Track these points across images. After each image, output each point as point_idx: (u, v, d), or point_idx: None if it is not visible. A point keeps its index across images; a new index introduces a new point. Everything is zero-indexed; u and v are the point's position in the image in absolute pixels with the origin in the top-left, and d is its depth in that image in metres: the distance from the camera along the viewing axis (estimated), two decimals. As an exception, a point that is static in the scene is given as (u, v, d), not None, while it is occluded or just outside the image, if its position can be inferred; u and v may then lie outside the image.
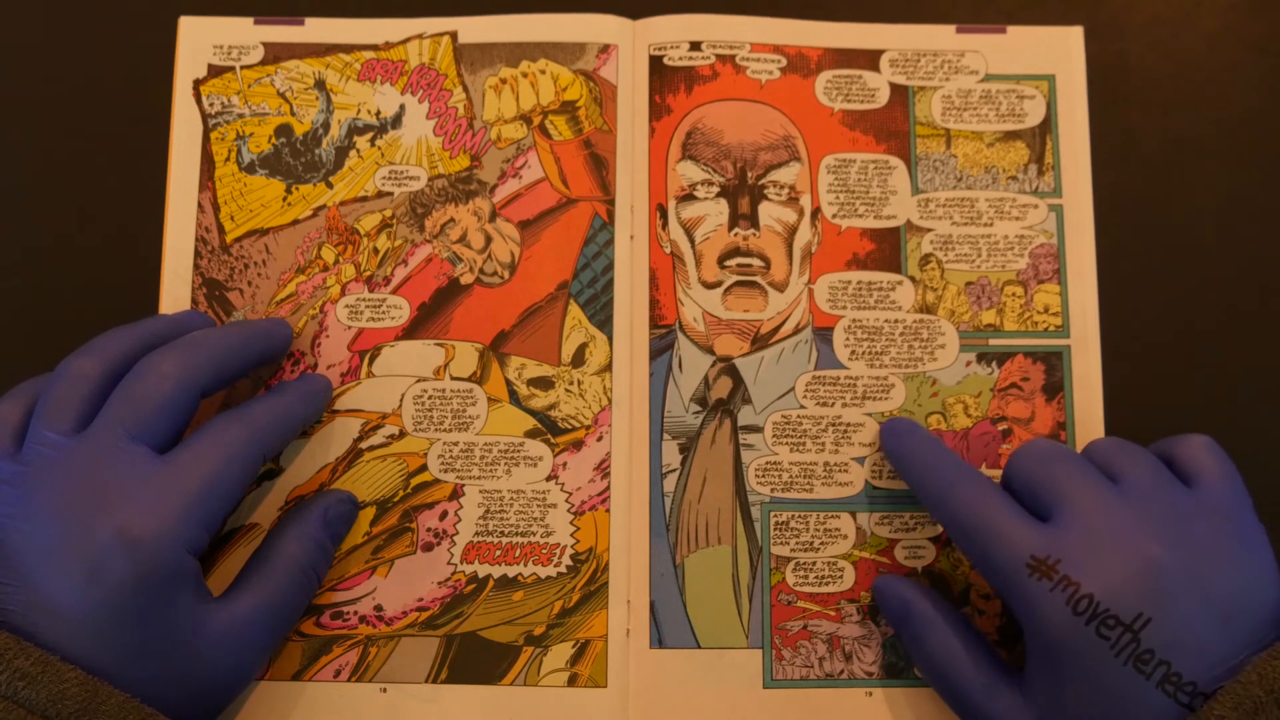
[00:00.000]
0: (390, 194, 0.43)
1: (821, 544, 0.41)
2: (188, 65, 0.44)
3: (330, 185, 0.43)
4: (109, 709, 0.31)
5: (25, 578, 0.32)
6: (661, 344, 0.42)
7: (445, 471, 0.41)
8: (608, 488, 0.41)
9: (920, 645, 0.38)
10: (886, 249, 0.43)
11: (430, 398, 0.42)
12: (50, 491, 0.33)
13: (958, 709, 0.37)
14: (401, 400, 0.42)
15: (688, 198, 0.43)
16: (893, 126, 0.44)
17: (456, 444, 0.41)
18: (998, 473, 0.41)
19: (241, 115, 0.43)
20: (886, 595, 0.39)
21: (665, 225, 0.43)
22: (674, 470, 0.41)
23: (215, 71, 0.44)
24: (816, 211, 0.43)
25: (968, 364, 0.42)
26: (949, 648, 0.37)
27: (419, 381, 0.42)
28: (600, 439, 0.41)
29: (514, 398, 0.42)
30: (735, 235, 0.43)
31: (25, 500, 0.33)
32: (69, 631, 0.32)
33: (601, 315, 0.42)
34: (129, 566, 0.32)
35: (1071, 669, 0.33)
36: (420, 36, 0.44)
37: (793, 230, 0.43)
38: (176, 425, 0.36)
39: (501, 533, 0.41)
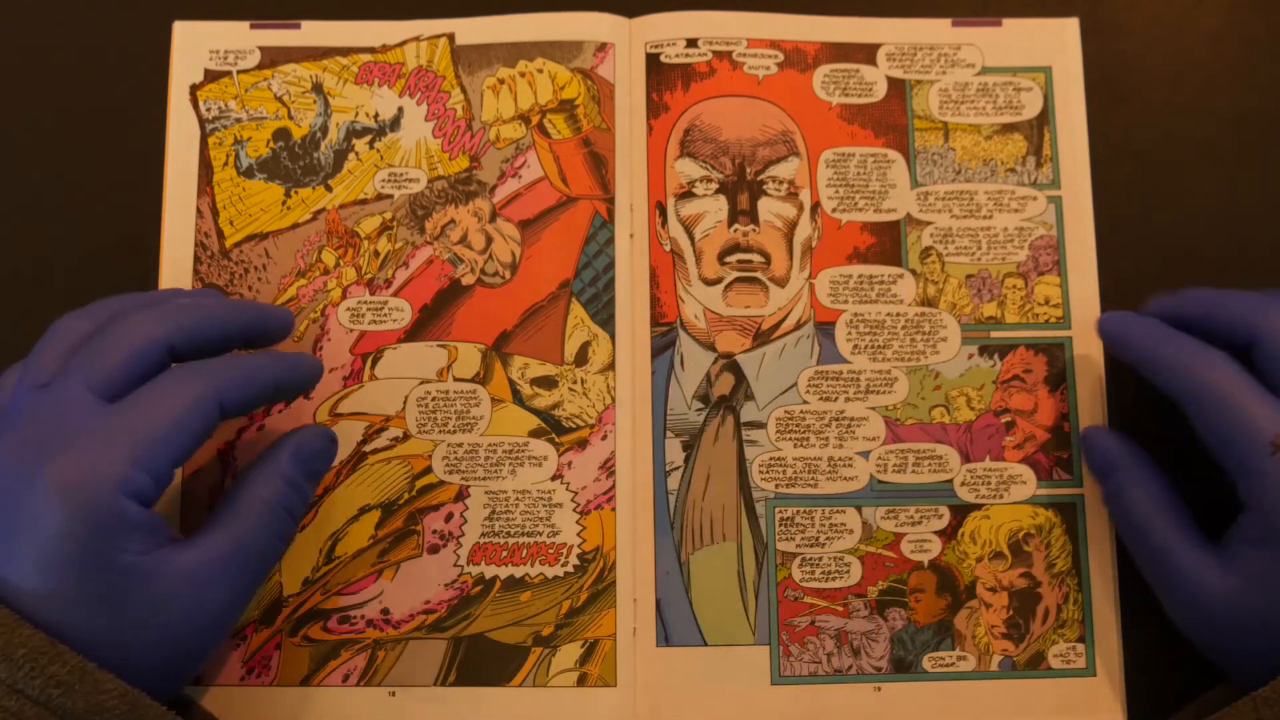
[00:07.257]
0: (390, 196, 0.43)
1: (827, 539, 0.41)
2: (184, 70, 0.44)
3: (329, 188, 0.43)
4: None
5: None
6: (663, 342, 0.42)
7: (450, 473, 0.41)
8: (613, 486, 0.41)
9: (1120, 498, 0.39)
10: (887, 243, 0.43)
11: (434, 399, 0.42)
12: (6, 443, 0.33)
13: (1149, 565, 0.38)
14: (405, 402, 0.42)
15: (687, 195, 0.43)
16: (891, 120, 0.44)
17: (461, 445, 0.41)
18: (1000, 464, 0.42)
19: (239, 119, 0.43)
20: (1094, 446, 0.40)
21: (665, 223, 0.43)
22: (678, 468, 0.41)
23: (212, 76, 0.44)
24: (816, 206, 0.43)
25: (970, 357, 0.42)
26: (1152, 501, 0.38)
27: (422, 383, 0.42)
28: (604, 437, 0.41)
29: (517, 398, 0.42)
30: (735, 231, 0.43)
31: None
32: (21, 583, 0.31)
33: (603, 314, 0.42)
34: (63, 514, 0.31)
35: None
36: (417, 39, 0.44)
37: (793, 225, 0.43)
38: (139, 381, 0.34)
39: (508, 533, 0.41)
